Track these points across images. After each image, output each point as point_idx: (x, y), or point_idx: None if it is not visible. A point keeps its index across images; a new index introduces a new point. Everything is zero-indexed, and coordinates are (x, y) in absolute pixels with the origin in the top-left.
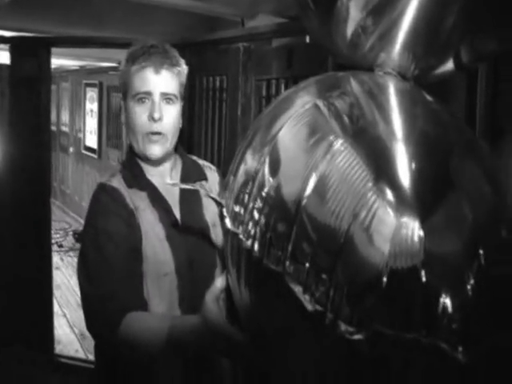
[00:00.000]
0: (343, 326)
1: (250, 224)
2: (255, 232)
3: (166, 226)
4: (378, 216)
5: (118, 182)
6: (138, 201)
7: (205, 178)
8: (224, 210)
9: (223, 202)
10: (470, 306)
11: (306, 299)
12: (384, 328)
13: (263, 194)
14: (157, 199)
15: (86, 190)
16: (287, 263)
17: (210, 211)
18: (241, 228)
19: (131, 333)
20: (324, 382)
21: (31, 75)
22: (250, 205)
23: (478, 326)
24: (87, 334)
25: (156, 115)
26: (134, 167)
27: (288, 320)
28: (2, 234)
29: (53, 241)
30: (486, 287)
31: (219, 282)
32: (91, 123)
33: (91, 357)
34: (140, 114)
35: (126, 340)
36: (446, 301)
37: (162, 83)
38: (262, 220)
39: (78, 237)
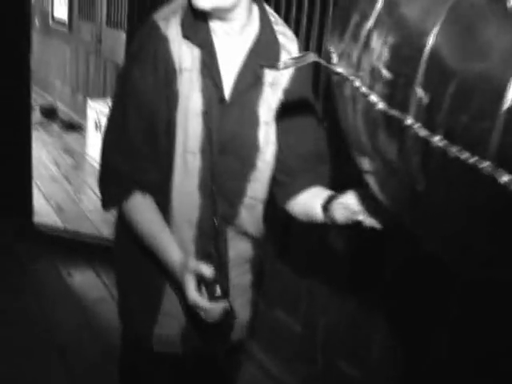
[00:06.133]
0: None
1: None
2: None
3: (206, 98)
4: None
5: (172, 27)
6: (188, 59)
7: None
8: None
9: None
10: None
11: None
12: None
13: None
14: (209, 62)
15: (55, 65)
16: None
17: (267, 105)
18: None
19: (131, 216)
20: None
21: None
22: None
23: None
24: (63, 206)
25: None
26: (197, 13)
27: (370, 129)
28: None
29: None
30: None
31: None
32: None
33: (69, 226)
34: None
35: (126, 218)
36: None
37: None
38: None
39: (45, 112)
